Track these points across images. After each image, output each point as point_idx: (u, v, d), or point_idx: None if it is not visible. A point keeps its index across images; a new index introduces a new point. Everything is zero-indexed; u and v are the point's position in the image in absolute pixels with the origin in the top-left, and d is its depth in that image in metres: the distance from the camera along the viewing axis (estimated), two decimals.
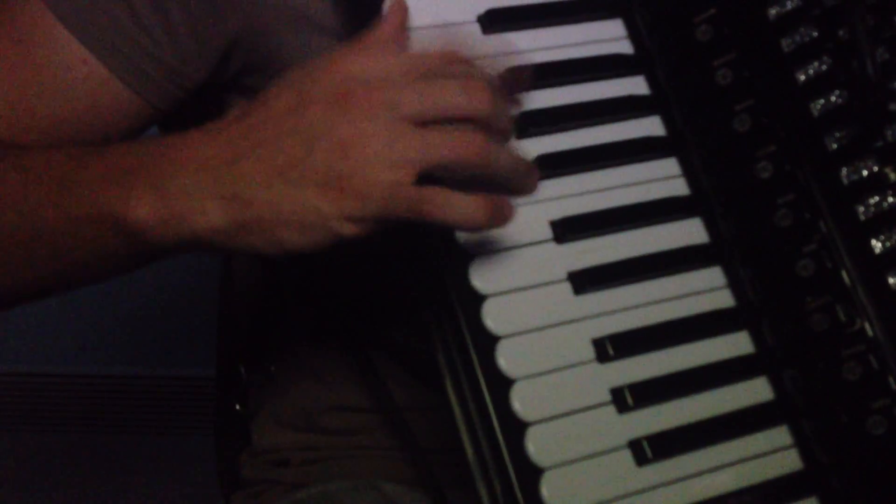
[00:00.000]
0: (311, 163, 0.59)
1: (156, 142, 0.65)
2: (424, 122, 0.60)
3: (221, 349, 1.02)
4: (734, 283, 0.68)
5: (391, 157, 0.59)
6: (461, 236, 0.65)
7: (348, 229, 0.60)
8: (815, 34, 0.67)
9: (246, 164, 0.61)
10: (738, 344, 0.67)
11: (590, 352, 0.64)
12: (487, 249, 0.65)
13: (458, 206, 0.60)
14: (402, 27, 0.64)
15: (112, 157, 0.66)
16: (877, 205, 0.64)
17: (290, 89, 0.61)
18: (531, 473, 0.61)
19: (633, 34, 0.72)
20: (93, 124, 0.76)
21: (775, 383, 0.66)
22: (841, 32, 0.66)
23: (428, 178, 0.60)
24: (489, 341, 0.63)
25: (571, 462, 0.62)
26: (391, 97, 0.60)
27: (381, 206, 0.59)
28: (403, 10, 0.64)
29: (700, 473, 0.64)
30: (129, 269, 0.69)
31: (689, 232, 0.69)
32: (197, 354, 1.98)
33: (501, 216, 0.61)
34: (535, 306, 0.64)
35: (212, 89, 0.80)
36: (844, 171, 0.65)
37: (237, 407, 0.97)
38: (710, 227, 0.69)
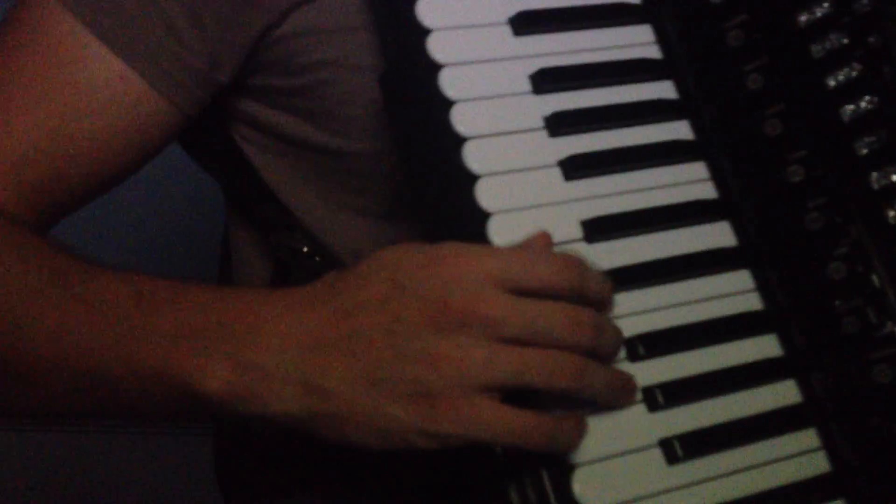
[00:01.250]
0: (400, 371, 0.58)
1: (235, 298, 0.64)
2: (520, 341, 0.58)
3: None
4: (763, 286, 0.68)
5: (484, 379, 0.57)
6: (490, 231, 0.64)
7: (426, 444, 0.58)
8: (846, 41, 0.67)
9: (332, 355, 0.59)
10: (766, 346, 0.67)
11: (621, 352, 0.64)
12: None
13: (568, 436, 0.59)
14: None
15: (186, 309, 0.64)
16: None
17: (386, 278, 0.59)
18: (563, 470, 0.61)
19: (662, 39, 0.73)
20: (133, 140, 0.76)
21: (804, 386, 0.67)
22: (871, 39, 0.67)
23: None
24: None
25: (603, 459, 0.62)
26: (492, 314, 0.58)
27: (469, 431, 0.57)
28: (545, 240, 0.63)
29: (728, 474, 0.64)
30: (180, 420, 0.69)
31: (718, 235, 0.69)
32: None
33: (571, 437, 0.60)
34: None
35: (224, 95, 0.80)
36: (874, 175, 0.66)
37: None
38: (738, 230, 0.69)
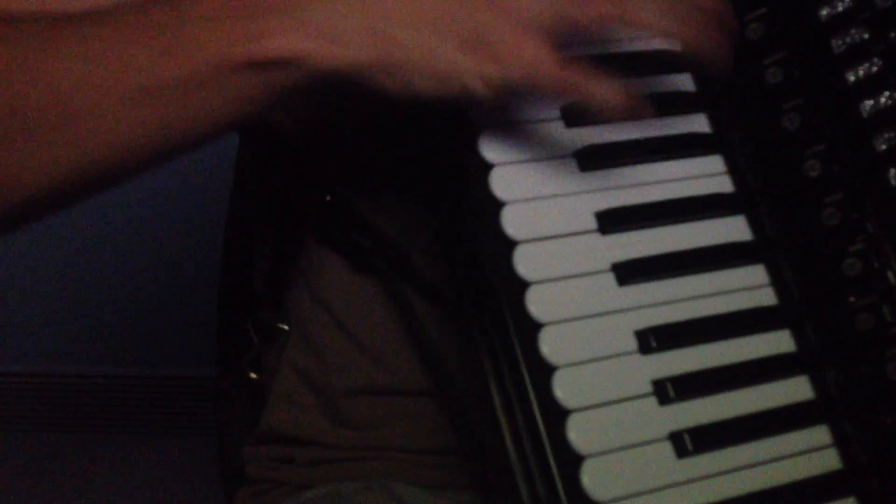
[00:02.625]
0: (461, 16, 0.61)
1: None
2: None
3: (225, 309, 1.01)
4: (777, 281, 0.69)
5: (536, 19, 0.61)
6: (505, 221, 0.66)
7: (482, 90, 0.62)
8: (866, 35, 0.68)
9: (398, 5, 0.62)
10: (779, 342, 0.68)
11: (632, 343, 0.65)
12: (533, 237, 0.66)
13: (604, 86, 0.62)
14: None
15: None
16: None
17: None
18: (571, 462, 0.62)
19: None
20: None
21: (817, 382, 0.67)
22: (892, 34, 0.68)
23: None
24: (532, 328, 0.64)
25: (612, 451, 0.63)
26: None
27: (523, 76, 0.61)
28: None
29: (738, 469, 0.65)
30: (239, 122, 0.66)
31: (733, 229, 0.70)
32: (197, 354, 1.99)
33: (643, 106, 0.64)
34: (578, 296, 0.66)
35: None
36: (892, 171, 0.66)
37: (252, 375, 0.96)
38: (753, 224, 0.70)
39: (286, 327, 0.94)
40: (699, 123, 0.72)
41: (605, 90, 0.63)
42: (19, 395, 2.11)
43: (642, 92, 0.69)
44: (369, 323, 0.89)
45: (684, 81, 0.73)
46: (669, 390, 0.65)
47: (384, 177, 0.86)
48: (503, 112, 0.68)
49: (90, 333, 2.08)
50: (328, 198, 0.86)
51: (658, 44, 0.72)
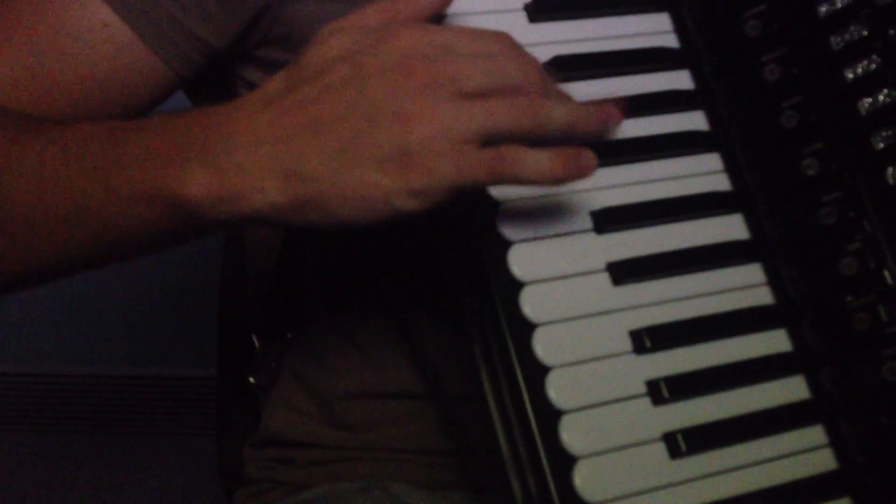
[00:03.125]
0: (374, 138, 0.60)
1: (202, 114, 0.65)
2: (482, 95, 0.61)
3: (226, 315, 1.02)
4: (774, 280, 0.69)
5: (456, 128, 0.60)
6: (501, 224, 0.66)
7: (410, 204, 0.60)
8: (865, 33, 0.68)
9: (305, 139, 0.61)
10: (775, 341, 0.68)
11: (627, 343, 0.65)
12: (527, 237, 0.66)
13: (531, 161, 0.61)
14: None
15: (157, 131, 0.66)
16: None
17: (343, 61, 0.62)
18: (564, 463, 0.62)
19: (680, 28, 0.74)
20: (114, 90, 0.78)
21: (812, 382, 0.67)
22: (891, 32, 0.68)
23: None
24: (526, 329, 0.64)
25: (605, 452, 0.63)
26: (453, 71, 0.61)
27: (451, 177, 0.60)
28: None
29: (733, 469, 0.65)
30: (176, 244, 0.69)
31: (730, 228, 0.70)
32: (197, 354, 2.00)
33: (580, 166, 0.62)
34: (573, 295, 0.66)
35: (225, 59, 0.82)
36: (890, 170, 0.66)
37: (251, 380, 0.97)
38: (751, 223, 0.70)
39: (288, 334, 0.94)
40: (697, 121, 0.72)
41: (537, 163, 0.61)
42: (19, 395, 2.12)
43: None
44: (369, 328, 0.89)
45: (682, 79, 0.73)
46: (663, 390, 0.64)
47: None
48: None
49: (90, 333, 2.08)
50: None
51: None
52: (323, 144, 0.61)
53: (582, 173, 0.62)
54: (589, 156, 0.62)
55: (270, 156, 0.61)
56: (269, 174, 0.61)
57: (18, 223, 0.69)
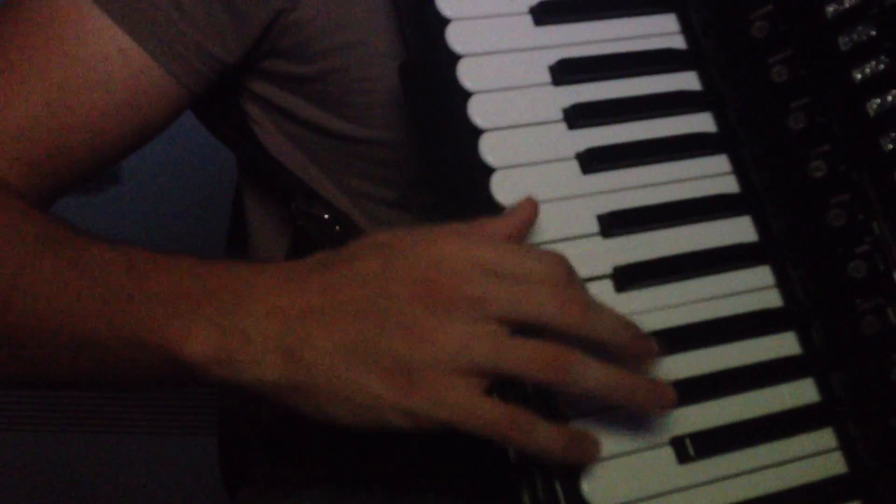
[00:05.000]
0: (381, 345, 0.59)
1: (225, 268, 0.65)
2: (508, 324, 0.60)
3: None
4: (783, 283, 0.70)
5: (462, 359, 0.59)
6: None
7: (401, 422, 0.60)
8: (874, 33, 0.69)
9: (315, 325, 0.61)
10: (785, 344, 0.69)
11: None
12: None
13: (542, 433, 0.59)
14: (525, 228, 0.64)
15: (175, 274, 0.66)
16: None
17: (378, 254, 0.61)
18: (572, 468, 0.63)
19: (687, 29, 0.74)
20: (134, 115, 0.79)
21: (822, 385, 0.69)
22: None
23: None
24: None
25: (613, 457, 0.64)
26: (478, 293, 0.59)
27: (453, 418, 0.59)
28: (531, 211, 0.64)
29: (742, 473, 0.66)
30: (167, 388, 0.71)
31: (738, 230, 0.71)
32: None
33: (580, 452, 0.61)
34: None
35: (233, 73, 0.83)
36: None
37: None
38: (759, 225, 0.71)
39: None
40: (705, 123, 0.73)
41: (548, 434, 0.60)
42: (19, 395, 2.13)
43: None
44: None
45: (689, 80, 0.74)
46: None
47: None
48: None
49: None
50: (326, 216, 0.88)
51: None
52: (332, 335, 0.60)
53: (580, 460, 0.62)
54: (593, 445, 0.61)
55: (277, 330, 0.61)
56: (271, 349, 0.61)
57: (20, 339, 0.70)
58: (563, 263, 0.62)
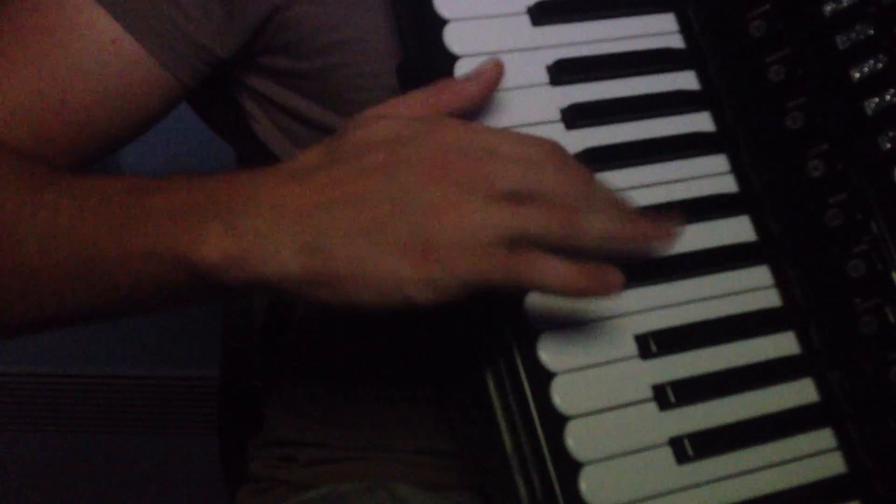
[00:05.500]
0: (398, 225, 0.61)
1: (226, 178, 0.65)
2: (517, 199, 0.61)
3: (230, 316, 1.03)
4: (781, 283, 0.70)
5: (482, 228, 0.60)
6: None
7: (424, 296, 0.61)
8: (871, 32, 0.69)
9: (329, 216, 0.61)
10: (783, 344, 0.69)
11: (632, 347, 0.67)
12: None
13: (551, 270, 0.61)
14: (489, 89, 0.66)
15: (177, 190, 0.66)
16: None
17: (383, 147, 0.62)
18: (570, 468, 0.64)
19: (685, 29, 0.75)
20: (125, 106, 0.79)
21: (821, 385, 0.69)
22: None
23: None
24: (532, 335, 0.66)
25: (611, 458, 0.64)
26: (490, 170, 0.61)
27: (466, 275, 0.60)
28: (497, 72, 0.66)
29: (741, 474, 0.66)
30: (188, 305, 0.71)
31: (737, 230, 0.71)
32: (197, 354, 2.01)
33: (604, 282, 0.62)
34: (578, 304, 0.67)
35: (229, 68, 0.83)
36: None
37: (256, 383, 0.98)
38: (758, 225, 0.71)
39: (289, 335, 0.96)
40: (703, 122, 0.74)
41: (558, 270, 0.61)
42: (19, 395, 2.13)
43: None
44: (371, 338, 0.91)
45: (687, 79, 0.74)
46: (670, 395, 0.66)
47: None
48: None
49: (92, 333, 2.09)
50: None
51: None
52: (347, 223, 0.61)
53: (606, 290, 0.62)
54: (614, 275, 0.62)
55: (292, 226, 0.62)
56: (287, 244, 0.62)
57: (25, 276, 0.70)
58: (558, 146, 0.64)
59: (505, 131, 0.65)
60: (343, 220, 0.61)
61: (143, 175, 0.70)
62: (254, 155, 0.89)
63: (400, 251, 0.60)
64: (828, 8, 0.71)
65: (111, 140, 0.81)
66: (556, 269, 0.61)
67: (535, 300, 0.66)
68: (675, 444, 0.66)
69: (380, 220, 0.61)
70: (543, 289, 0.62)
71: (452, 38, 0.70)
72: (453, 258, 0.60)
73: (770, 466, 0.67)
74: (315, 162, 0.64)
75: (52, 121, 0.78)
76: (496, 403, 0.66)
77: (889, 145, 0.69)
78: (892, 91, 0.69)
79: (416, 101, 0.65)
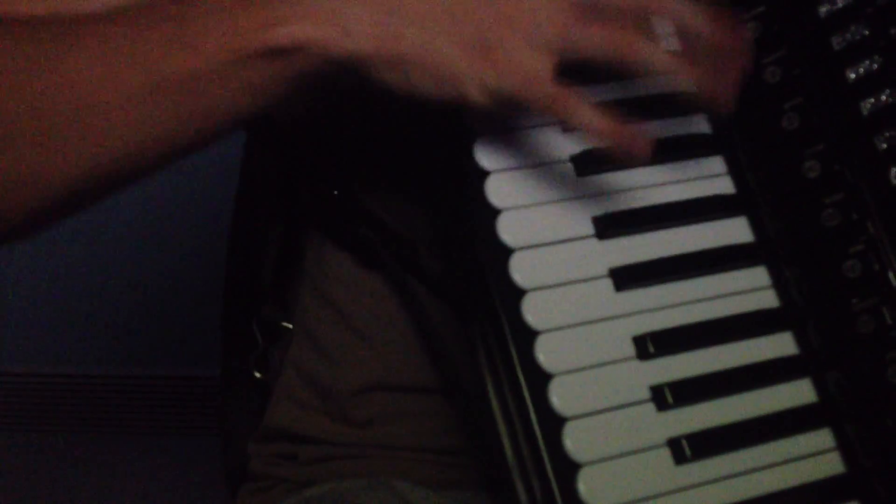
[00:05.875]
0: (467, 22, 0.64)
1: None
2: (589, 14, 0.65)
3: (231, 305, 1.03)
4: (779, 283, 0.71)
5: (542, 37, 0.64)
6: (502, 230, 0.68)
7: (477, 96, 0.64)
8: (867, 32, 0.70)
9: (408, 3, 0.64)
10: (781, 345, 0.70)
11: (630, 349, 0.67)
12: (530, 244, 0.68)
13: (588, 113, 0.65)
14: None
15: None
16: None
17: None
18: (568, 469, 0.64)
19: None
20: None
21: (818, 385, 0.69)
22: (893, 31, 0.69)
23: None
24: (528, 336, 0.66)
25: (609, 458, 0.64)
26: None
27: (517, 88, 0.64)
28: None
29: (739, 474, 0.66)
30: (260, 109, 0.68)
31: (734, 231, 0.72)
32: (197, 354, 2.02)
33: (634, 139, 0.66)
34: (575, 302, 0.67)
35: None
36: (893, 171, 0.68)
37: (257, 375, 0.98)
38: (755, 226, 0.72)
39: (290, 326, 0.96)
40: (700, 124, 0.74)
41: (593, 116, 0.65)
42: (19, 395, 2.14)
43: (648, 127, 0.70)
44: (377, 319, 0.90)
45: (684, 81, 0.74)
46: (668, 396, 0.66)
47: (390, 173, 0.88)
48: (500, 119, 0.70)
49: (92, 333, 2.10)
50: (336, 192, 0.89)
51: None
52: (421, 11, 0.64)
53: (634, 147, 0.66)
54: (645, 140, 0.66)
55: (369, 4, 0.64)
56: (363, 21, 0.64)
57: (83, 110, 0.66)
58: None
59: None
60: (418, 7, 0.64)
61: None
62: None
63: (464, 48, 0.64)
64: (823, 9, 0.71)
65: None
66: (593, 113, 0.65)
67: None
68: (673, 444, 0.66)
69: (451, 14, 0.64)
70: (576, 125, 0.65)
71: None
72: (510, 68, 0.63)
73: (768, 467, 0.67)
74: None
75: None
76: (494, 405, 0.66)
77: (885, 145, 0.69)
78: (887, 91, 0.69)
79: None
